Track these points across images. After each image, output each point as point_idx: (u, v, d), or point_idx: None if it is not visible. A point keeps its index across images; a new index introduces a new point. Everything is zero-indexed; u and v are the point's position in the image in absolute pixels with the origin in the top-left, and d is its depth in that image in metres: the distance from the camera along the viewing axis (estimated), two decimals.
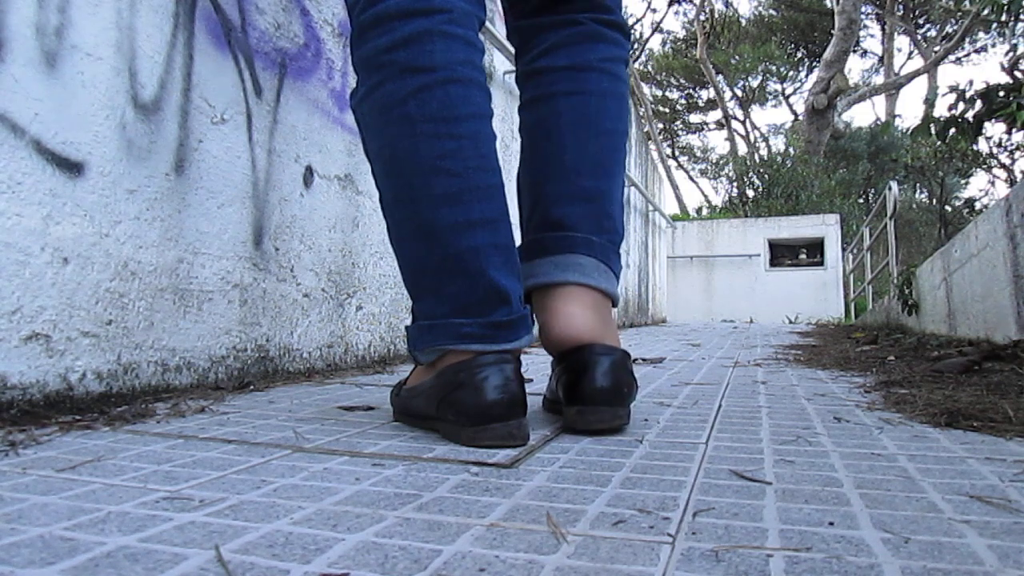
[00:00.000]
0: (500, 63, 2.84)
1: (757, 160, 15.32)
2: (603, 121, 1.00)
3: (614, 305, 0.99)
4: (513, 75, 2.99)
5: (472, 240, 0.82)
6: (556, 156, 0.99)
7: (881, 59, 20.84)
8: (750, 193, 13.76)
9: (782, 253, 11.10)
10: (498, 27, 2.70)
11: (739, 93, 21.95)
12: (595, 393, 0.85)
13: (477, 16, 0.90)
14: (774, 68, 21.18)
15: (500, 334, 0.82)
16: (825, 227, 10.65)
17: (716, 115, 22.42)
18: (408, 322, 2.02)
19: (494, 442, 0.77)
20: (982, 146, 11.19)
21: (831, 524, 0.52)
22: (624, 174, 1.06)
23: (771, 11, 21.12)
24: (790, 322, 9.20)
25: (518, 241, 0.95)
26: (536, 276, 0.96)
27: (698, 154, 24.95)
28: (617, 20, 1.04)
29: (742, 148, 21.06)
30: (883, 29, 19.67)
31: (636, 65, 19.33)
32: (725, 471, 0.68)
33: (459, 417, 0.79)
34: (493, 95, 1.04)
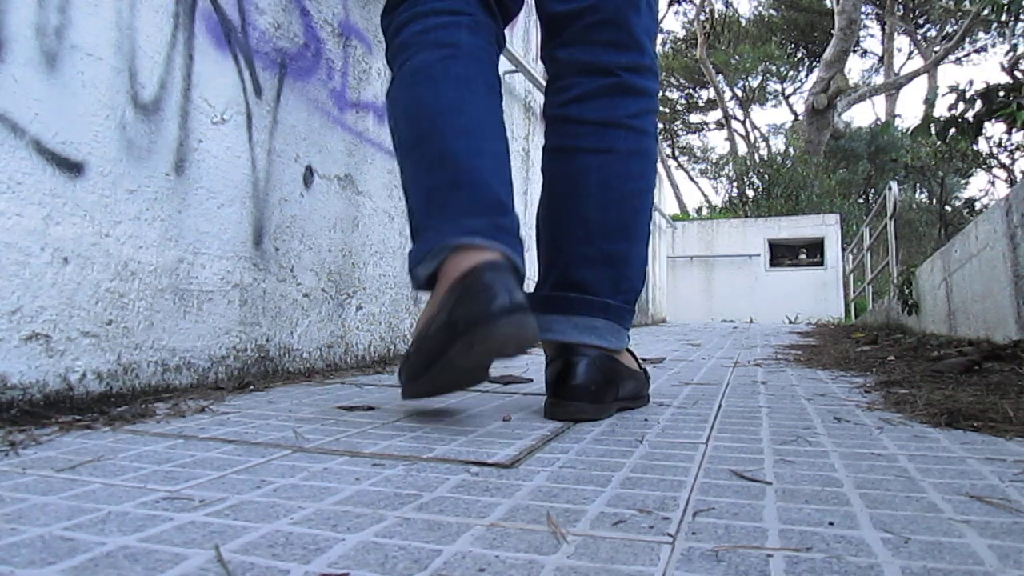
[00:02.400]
0: (500, 63, 2.84)
1: (757, 160, 15.31)
2: (627, 183, 1.04)
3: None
4: (514, 75, 3.00)
5: (482, 163, 0.93)
6: (579, 216, 1.03)
7: (881, 59, 20.83)
8: (750, 193, 13.75)
9: (782, 253, 11.09)
10: None
11: (739, 93, 21.95)
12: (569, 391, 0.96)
13: (496, 31, 1.05)
14: (774, 68, 21.17)
15: (503, 236, 0.89)
16: (825, 227, 10.65)
17: (716, 115, 22.43)
18: (406, 324, 2.02)
19: (507, 339, 0.81)
20: (982, 146, 11.18)
21: (831, 524, 0.52)
22: (649, 228, 1.09)
23: (771, 11, 21.11)
24: (790, 322, 9.20)
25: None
26: (554, 331, 1.01)
27: (698, 154, 24.96)
28: (646, 63, 1.06)
29: (742, 148, 21.06)
30: (883, 29, 19.66)
31: None
32: (725, 471, 0.68)
33: (468, 326, 0.81)
34: None
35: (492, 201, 0.91)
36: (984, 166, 13.17)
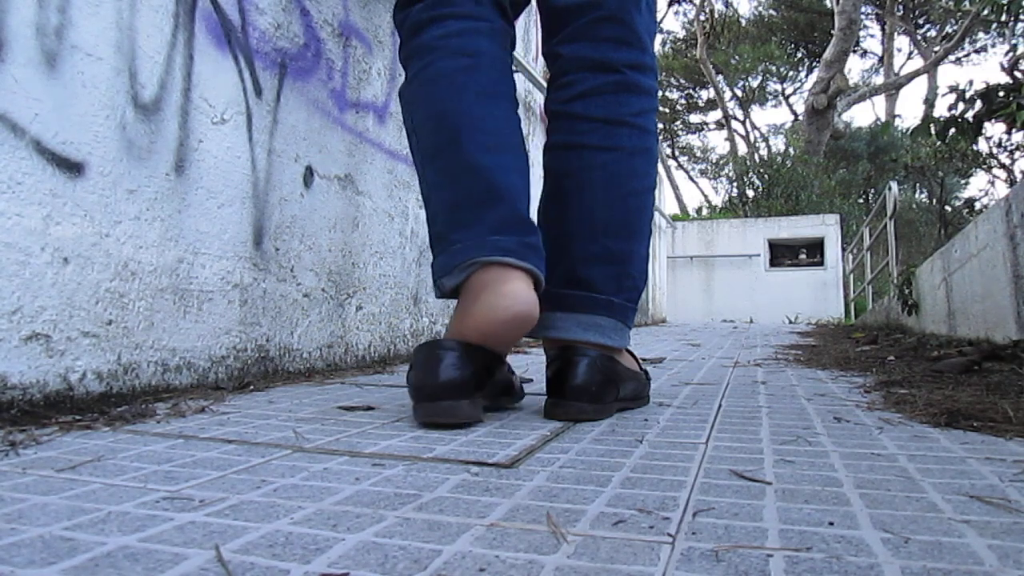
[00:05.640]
0: None
1: (757, 160, 15.32)
2: (632, 180, 1.04)
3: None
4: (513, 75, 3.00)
5: (508, 179, 0.95)
6: (585, 214, 1.04)
7: (881, 59, 20.83)
8: (750, 193, 13.75)
9: (782, 253, 11.09)
10: None
11: (739, 93, 21.94)
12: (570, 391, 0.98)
13: (510, 35, 1.07)
14: (774, 68, 21.16)
15: (530, 255, 0.93)
16: (825, 227, 10.65)
17: (716, 115, 22.42)
18: (406, 324, 2.02)
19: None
20: (982, 146, 11.18)
21: (831, 524, 0.52)
22: (650, 227, 1.10)
23: (771, 11, 21.10)
24: (790, 322, 9.20)
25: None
26: (558, 329, 1.02)
27: (698, 154, 24.97)
28: (648, 61, 1.07)
29: (742, 148, 21.06)
30: (883, 29, 19.66)
31: None
32: (725, 471, 0.68)
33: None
34: None
35: (520, 220, 0.94)
36: (984, 166, 13.16)
